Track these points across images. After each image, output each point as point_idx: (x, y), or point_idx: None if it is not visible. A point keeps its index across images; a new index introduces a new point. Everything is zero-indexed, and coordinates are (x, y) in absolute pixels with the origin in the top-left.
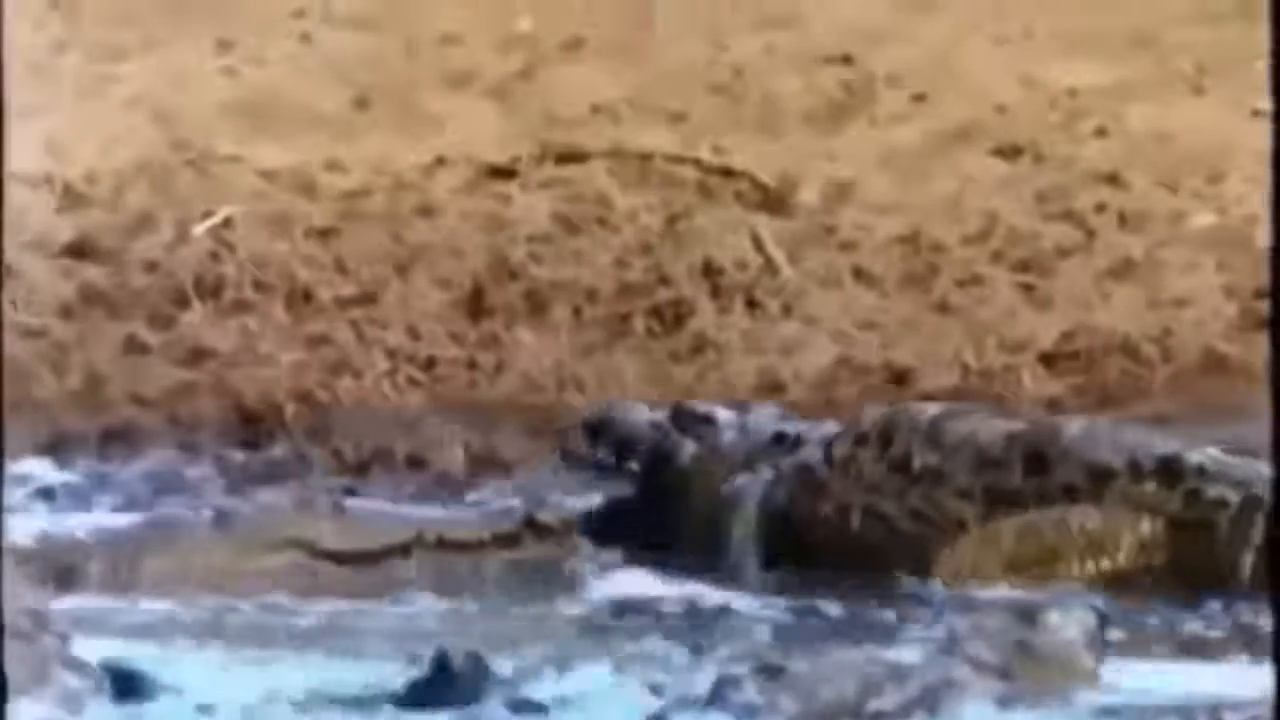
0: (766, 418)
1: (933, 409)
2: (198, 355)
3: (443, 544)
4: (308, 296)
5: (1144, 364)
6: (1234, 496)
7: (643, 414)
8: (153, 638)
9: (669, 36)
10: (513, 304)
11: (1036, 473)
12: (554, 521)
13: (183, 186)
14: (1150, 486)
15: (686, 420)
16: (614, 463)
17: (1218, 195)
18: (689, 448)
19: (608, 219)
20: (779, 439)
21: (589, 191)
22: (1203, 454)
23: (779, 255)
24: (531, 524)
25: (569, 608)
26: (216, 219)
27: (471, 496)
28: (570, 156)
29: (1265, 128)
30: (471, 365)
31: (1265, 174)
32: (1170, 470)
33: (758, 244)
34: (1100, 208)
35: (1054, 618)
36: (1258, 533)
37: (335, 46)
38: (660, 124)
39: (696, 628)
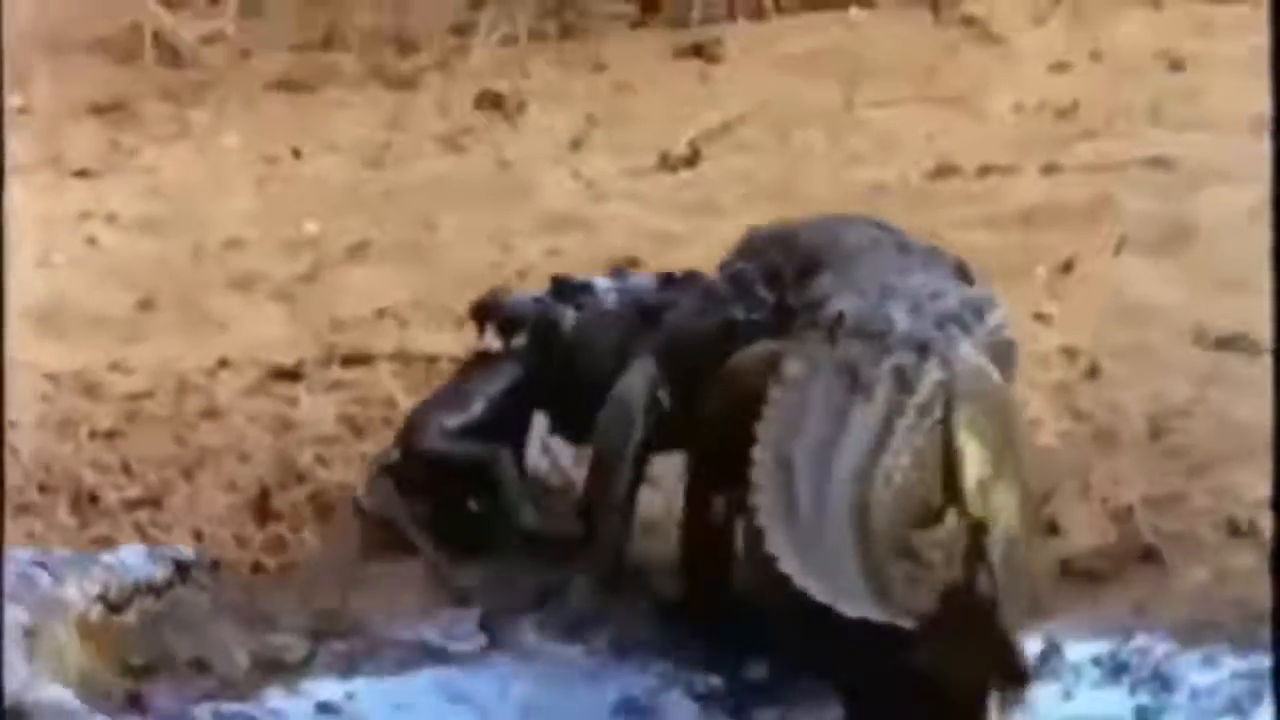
0: (644, 286)
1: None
2: None
3: None
4: (93, 499)
5: None
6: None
7: (525, 294)
8: None
9: (454, 239)
10: (299, 507)
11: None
12: None
13: None
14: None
15: (566, 290)
16: (503, 343)
17: None
18: (570, 315)
19: (394, 421)
20: (647, 313)
21: (375, 394)
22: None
23: (565, 455)
24: None
25: None
26: None
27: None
28: (356, 359)
29: (1048, 331)
30: (256, 569)
31: (1047, 376)
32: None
33: (544, 447)
34: None
35: None
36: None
37: (121, 249)
38: (446, 326)
39: None
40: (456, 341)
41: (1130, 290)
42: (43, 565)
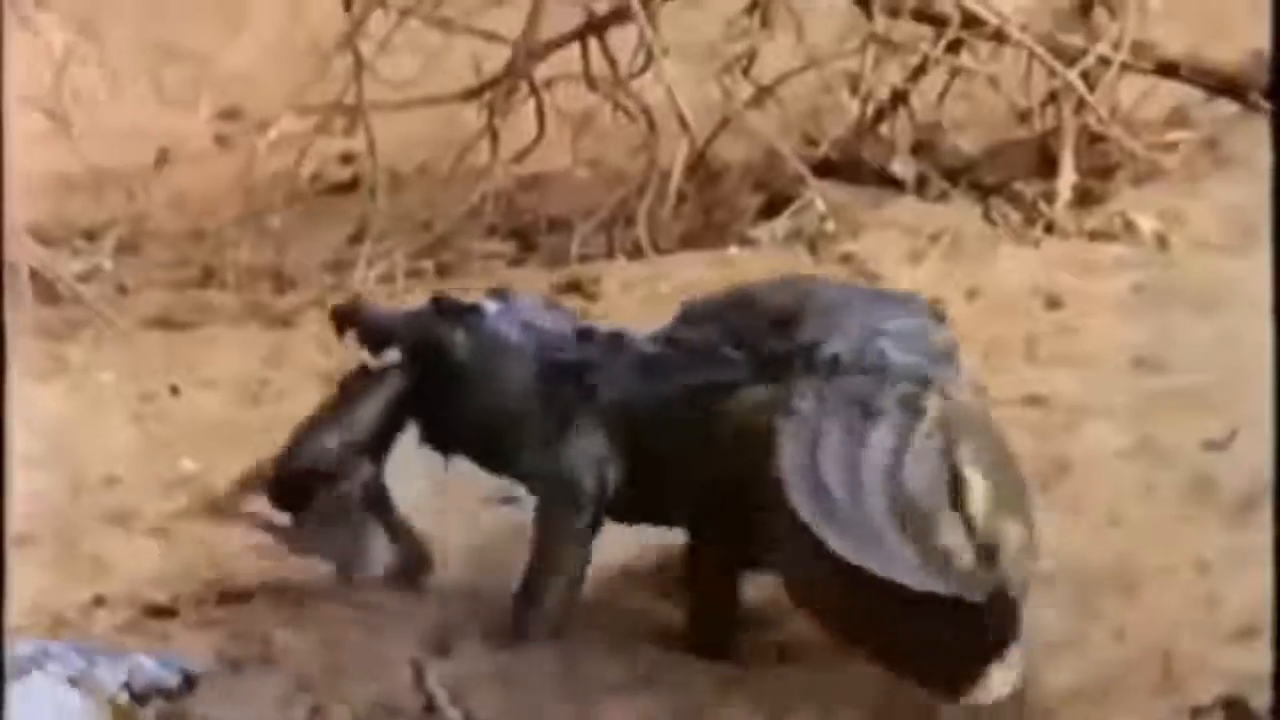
0: (554, 332)
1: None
2: None
3: None
4: None
5: None
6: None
7: (395, 307)
8: None
9: None
10: None
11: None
12: None
13: None
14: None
15: (450, 310)
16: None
17: None
18: (461, 340)
19: (271, 657)
20: (567, 371)
21: (252, 630)
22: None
23: (441, 694)
24: None
25: None
26: None
27: None
28: (232, 596)
29: None
30: None
31: None
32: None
33: (419, 680)
34: None
35: None
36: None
37: None
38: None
39: None
40: (331, 577)
41: None
42: (81, 651)
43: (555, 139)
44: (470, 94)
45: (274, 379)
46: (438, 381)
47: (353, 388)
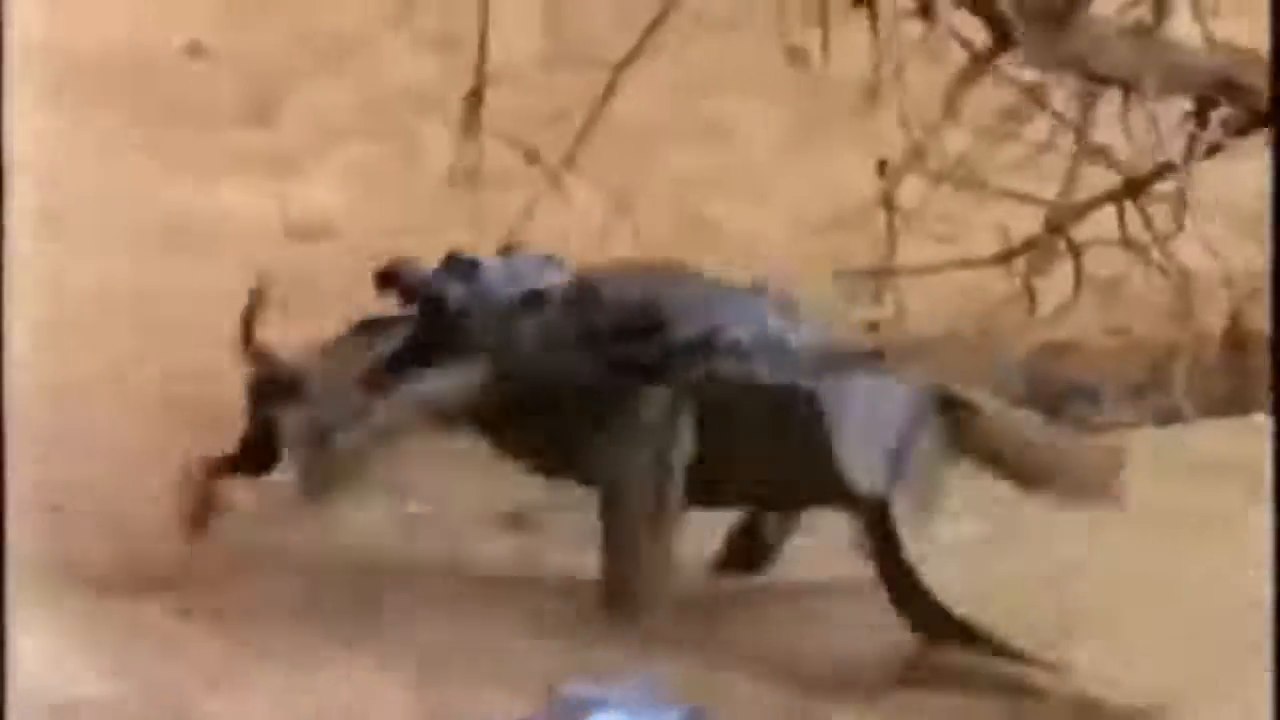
0: (532, 266)
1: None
2: None
3: None
4: None
5: None
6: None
7: (424, 266)
8: None
9: None
10: None
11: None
12: None
13: None
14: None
15: (456, 267)
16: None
17: None
18: (457, 293)
19: None
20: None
21: None
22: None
23: None
24: None
25: None
26: None
27: None
28: None
29: None
30: None
31: None
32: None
33: None
34: None
35: None
36: None
37: None
38: None
39: None
40: None
41: None
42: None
43: (1079, 304)
44: (1006, 256)
45: None
46: (438, 337)
47: (360, 338)
